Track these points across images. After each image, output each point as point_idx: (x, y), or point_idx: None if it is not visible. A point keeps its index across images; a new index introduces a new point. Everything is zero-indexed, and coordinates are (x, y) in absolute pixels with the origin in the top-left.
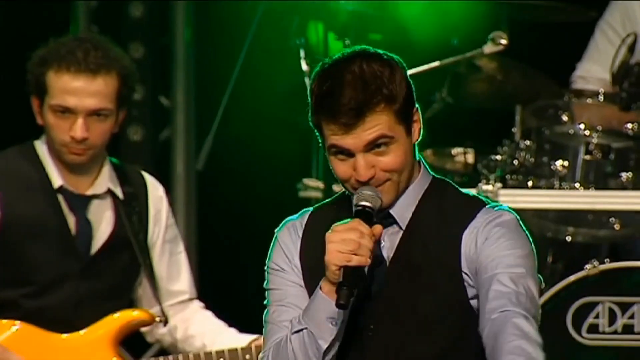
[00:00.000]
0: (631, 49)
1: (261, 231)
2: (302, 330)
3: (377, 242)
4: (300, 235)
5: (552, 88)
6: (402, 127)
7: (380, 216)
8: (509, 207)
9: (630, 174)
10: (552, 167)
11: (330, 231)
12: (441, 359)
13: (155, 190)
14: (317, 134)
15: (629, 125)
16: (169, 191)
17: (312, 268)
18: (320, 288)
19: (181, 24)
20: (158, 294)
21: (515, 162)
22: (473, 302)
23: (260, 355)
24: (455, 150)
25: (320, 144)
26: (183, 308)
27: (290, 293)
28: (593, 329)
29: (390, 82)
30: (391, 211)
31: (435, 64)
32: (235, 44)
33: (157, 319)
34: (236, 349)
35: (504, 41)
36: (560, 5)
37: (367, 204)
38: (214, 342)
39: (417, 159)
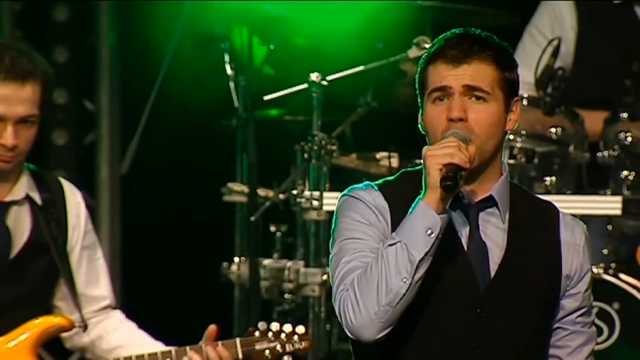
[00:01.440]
0: (555, 54)
1: (185, 235)
2: (395, 243)
3: (477, 225)
4: (387, 203)
5: None
6: (503, 97)
7: (481, 200)
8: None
9: (554, 178)
10: None
11: (426, 147)
12: (530, 349)
13: (73, 196)
14: (418, 101)
15: (553, 130)
16: (93, 195)
17: None
18: (420, 200)
19: (105, 27)
20: (77, 300)
21: None
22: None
23: (340, 288)
24: (380, 155)
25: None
26: (106, 316)
27: (378, 245)
28: None
29: (503, 52)
30: (492, 193)
31: (360, 68)
32: (160, 48)
33: (77, 325)
34: (156, 353)
35: (428, 45)
36: (484, 10)
37: (459, 132)
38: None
39: (503, 161)
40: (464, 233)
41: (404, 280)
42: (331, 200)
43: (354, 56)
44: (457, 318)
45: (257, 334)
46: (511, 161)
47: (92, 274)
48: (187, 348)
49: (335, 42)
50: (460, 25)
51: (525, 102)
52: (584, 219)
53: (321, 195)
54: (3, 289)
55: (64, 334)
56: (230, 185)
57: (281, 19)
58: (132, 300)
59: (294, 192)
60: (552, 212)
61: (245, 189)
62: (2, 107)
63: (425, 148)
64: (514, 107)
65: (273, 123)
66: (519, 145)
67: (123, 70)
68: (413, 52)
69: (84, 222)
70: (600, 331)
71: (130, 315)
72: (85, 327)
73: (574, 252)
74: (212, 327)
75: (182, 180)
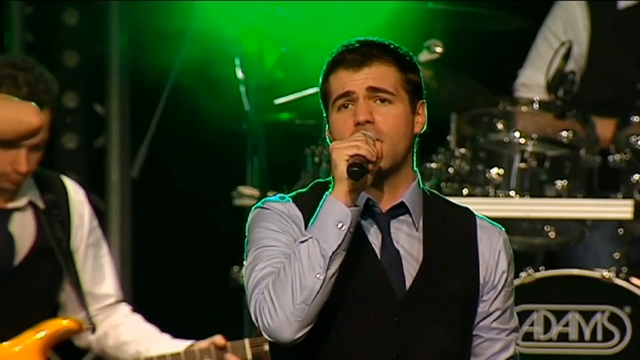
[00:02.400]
0: (566, 57)
1: (196, 239)
2: (307, 240)
3: (389, 233)
4: (301, 213)
5: (487, 96)
6: (408, 99)
7: (392, 207)
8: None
9: (565, 182)
10: (487, 175)
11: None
12: (452, 358)
13: (76, 195)
14: (322, 109)
15: (564, 133)
16: (103, 199)
17: None
18: (328, 195)
19: (116, 31)
20: (83, 300)
21: (451, 170)
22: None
23: (255, 291)
24: None
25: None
26: (111, 312)
27: (291, 250)
28: (528, 336)
29: (404, 56)
30: (403, 199)
31: None
32: (171, 51)
33: (85, 327)
34: (165, 356)
35: (439, 49)
36: (494, 14)
37: (367, 132)
38: (149, 348)
39: (414, 169)
40: (376, 242)
41: (318, 275)
42: None
43: None
44: (376, 327)
45: None
46: (522, 165)
47: (98, 272)
48: (196, 350)
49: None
50: (471, 29)
51: (536, 105)
52: (595, 222)
53: None
54: (9, 295)
55: (90, 332)
56: (241, 188)
57: (293, 22)
58: (143, 304)
59: None
60: (468, 217)
61: (256, 192)
62: None
63: (332, 144)
64: (420, 110)
65: (284, 127)
66: (530, 149)
67: (133, 73)
68: (424, 56)
69: (88, 221)
70: (611, 335)
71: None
72: (93, 329)
73: (490, 256)
74: (218, 339)
75: (192, 184)
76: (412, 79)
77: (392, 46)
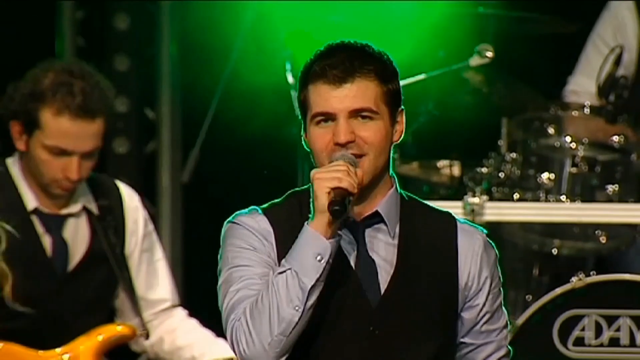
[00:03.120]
0: (617, 62)
1: None
2: (285, 271)
3: (364, 242)
4: (272, 226)
5: (538, 100)
6: (388, 112)
7: (367, 216)
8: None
9: (616, 187)
10: (538, 179)
11: (314, 171)
12: None
13: (130, 200)
14: (299, 117)
15: (615, 138)
16: (154, 204)
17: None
18: (307, 225)
19: (167, 36)
20: (137, 306)
21: (502, 174)
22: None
23: (231, 317)
24: (441, 163)
25: (302, 139)
26: (167, 317)
27: (265, 270)
28: (579, 341)
29: (384, 64)
30: (378, 209)
31: (422, 76)
32: (221, 55)
33: (139, 333)
34: None
35: (490, 54)
36: (545, 18)
37: (347, 157)
38: (204, 353)
39: (392, 174)
40: (351, 252)
41: (296, 308)
42: None
43: (415, 64)
44: (352, 338)
45: None
46: (573, 170)
47: (152, 277)
48: None
49: (397, 49)
50: (523, 33)
51: (587, 110)
52: None
53: None
54: (63, 300)
55: (144, 338)
56: None
57: (343, 26)
58: (193, 310)
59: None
60: (449, 221)
61: None
62: (71, 142)
63: (313, 171)
64: (399, 118)
65: None
66: (581, 153)
67: (184, 78)
68: (475, 61)
69: (142, 226)
70: None
71: None
72: (147, 335)
73: (472, 260)
74: None
75: (243, 189)
76: (392, 90)
77: (373, 55)
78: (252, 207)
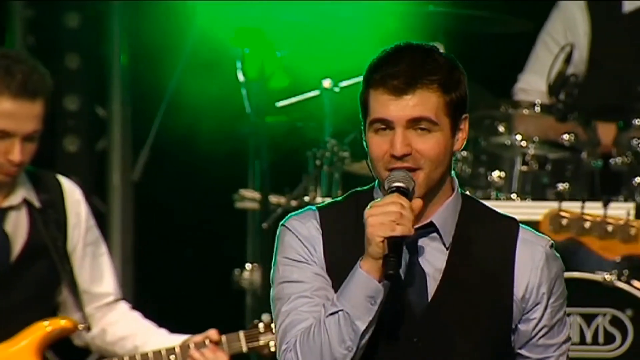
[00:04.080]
0: (568, 60)
1: (197, 241)
2: (337, 312)
3: (415, 252)
4: (321, 231)
5: (488, 99)
6: (449, 122)
7: (421, 226)
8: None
9: (566, 185)
10: (488, 178)
11: (368, 207)
12: None
13: (72, 194)
14: (360, 118)
15: (566, 136)
16: (105, 202)
17: (339, 265)
18: (360, 267)
19: (117, 33)
20: (79, 300)
21: (452, 172)
22: (512, 330)
23: (283, 347)
24: None
25: (362, 137)
26: (110, 310)
27: (315, 284)
28: None
29: (449, 73)
30: (433, 219)
31: None
32: (172, 53)
33: (80, 326)
34: (160, 351)
35: (441, 52)
36: (495, 17)
37: (401, 184)
38: (146, 342)
39: (453, 175)
40: (402, 261)
41: (349, 349)
42: None
43: (365, 63)
44: (393, 349)
45: (261, 326)
46: (524, 168)
47: (96, 271)
48: (191, 344)
49: (347, 48)
50: (473, 32)
51: (538, 108)
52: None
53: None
54: (6, 294)
55: (85, 332)
56: (242, 191)
57: (294, 24)
58: (144, 307)
59: (306, 198)
60: (510, 229)
61: (257, 195)
62: (12, 123)
63: (367, 210)
64: (462, 126)
65: (285, 129)
66: (531, 152)
67: (135, 76)
68: None
69: (85, 219)
70: (613, 338)
71: None
72: (88, 328)
73: (530, 272)
74: (212, 333)
75: (193, 187)
76: (456, 98)
77: (438, 63)
78: (309, 207)
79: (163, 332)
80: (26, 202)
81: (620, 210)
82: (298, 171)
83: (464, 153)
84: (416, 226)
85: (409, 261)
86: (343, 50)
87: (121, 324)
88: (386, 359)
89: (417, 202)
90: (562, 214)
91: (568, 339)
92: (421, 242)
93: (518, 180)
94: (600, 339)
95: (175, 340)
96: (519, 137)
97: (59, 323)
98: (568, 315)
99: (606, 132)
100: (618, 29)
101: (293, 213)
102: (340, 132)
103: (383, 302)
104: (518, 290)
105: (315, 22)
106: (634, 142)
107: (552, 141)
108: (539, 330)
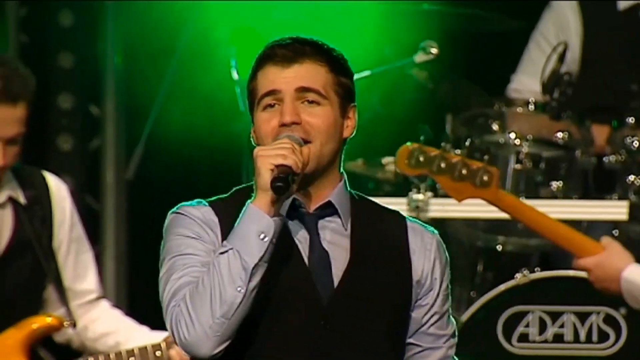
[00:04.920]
0: (561, 58)
1: None
2: (227, 251)
3: (316, 233)
4: (218, 218)
5: (482, 97)
6: (338, 102)
7: (319, 206)
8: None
9: (560, 183)
10: None
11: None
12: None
13: (58, 190)
14: (248, 111)
15: (559, 135)
16: (98, 200)
17: None
18: (250, 204)
19: (111, 32)
20: (64, 297)
21: None
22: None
23: (172, 304)
24: (386, 160)
25: (249, 142)
26: (92, 307)
27: (209, 259)
28: (524, 338)
29: (338, 58)
30: (331, 199)
31: (367, 73)
32: (166, 52)
33: (66, 323)
34: (146, 347)
35: (434, 50)
36: (489, 15)
37: (292, 135)
38: (128, 339)
39: (342, 172)
40: (304, 243)
41: (239, 289)
42: None
43: (360, 61)
44: (301, 331)
45: None
46: (517, 166)
47: (80, 268)
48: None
49: (342, 46)
50: (467, 31)
51: (531, 107)
52: (591, 224)
53: None
54: None
55: (70, 329)
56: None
57: (289, 23)
58: (137, 305)
59: None
60: (398, 219)
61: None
62: None
63: (256, 148)
64: (351, 114)
65: None
66: (525, 150)
67: (128, 75)
68: (419, 57)
69: (70, 216)
70: (606, 337)
71: (135, 319)
72: (74, 325)
73: (425, 257)
74: None
75: (188, 186)
76: (344, 82)
77: (325, 46)
78: (198, 199)
79: (144, 329)
80: (11, 199)
81: (614, 208)
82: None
83: (458, 151)
84: (314, 208)
85: (311, 242)
86: (339, 49)
87: (103, 321)
88: (296, 344)
89: (307, 150)
90: (422, 149)
91: (455, 334)
92: (321, 223)
93: (512, 178)
94: (594, 337)
95: (158, 336)
96: (512, 135)
97: (46, 320)
98: (562, 313)
99: (599, 133)
100: (612, 27)
101: (182, 203)
102: None
103: (274, 242)
104: (415, 275)
105: (309, 21)
106: (628, 140)
107: (545, 139)
108: (430, 317)
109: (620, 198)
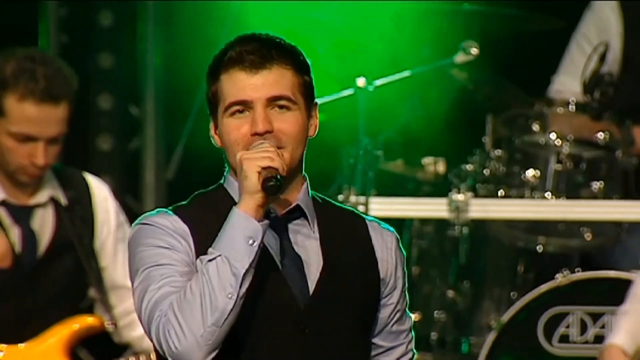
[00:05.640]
0: (602, 59)
1: None
2: (215, 258)
3: (287, 238)
4: (188, 226)
5: (522, 97)
6: (304, 103)
7: (287, 210)
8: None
9: (601, 184)
10: (523, 176)
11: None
12: None
13: (99, 191)
14: (209, 115)
15: (600, 135)
16: (138, 201)
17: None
18: (236, 209)
19: (151, 32)
20: (105, 298)
21: (486, 171)
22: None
23: (155, 315)
24: (426, 160)
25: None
26: None
27: (186, 269)
28: (564, 339)
29: (298, 56)
30: (298, 202)
31: (407, 73)
32: (206, 52)
33: (107, 324)
34: None
35: (475, 51)
36: (529, 16)
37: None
38: None
39: (303, 174)
40: (275, 247)
41: (230, 296)
42: (377, 205)
43: (401, 61)
44: (282, 338)
45: None
46: (558, 167)
47: None
48: None
49: (382, 47)
50: (508, 31)
51: (572, 107)
52: (632, 224)
53: (367, 200)
54: (34, 291)
55: (111, 330)
56: None
57: (327, 23)
58: None
59: (340, 197)
60: (357, 216)
61: None
62: (36, 127)
63: (240, 152)
64: (314, 112)
65: (319, 128)
66: (566, 150)
67: (168, 75)
68: (460, 57)
69: (114, 216)
70: None
71: None
72: (115, 325)
73: (388, 256)
74: None
75: None
76: (307, 81)
77: (287, 46)
78: (159, 209)
79: None
80: (53, 200)
81: None
82: (332, 170)
83: (498, 151)
84: (282, 211)
85: (283, 247)
86: (379, 49)
87: None
88: (279, 351)
89: (287, 154)
90: None
91: (411, 327)
92: (290, 227)
93: (552, 179)
94: None
95: None
96: (553, 135)
97: (87, 321)
98: (603, 314)
99: (639, 135)
100: None
101: (146, 214)
102: (374, 131)
103: (262, 246)
104: (381, 274)
105: (349, 21)
106: None
107: (586, 140)
108: (394, 315)
109: None
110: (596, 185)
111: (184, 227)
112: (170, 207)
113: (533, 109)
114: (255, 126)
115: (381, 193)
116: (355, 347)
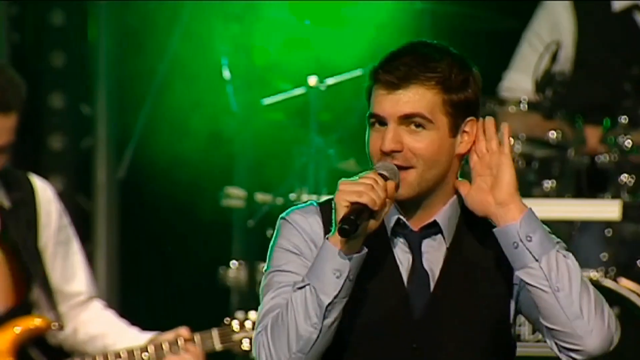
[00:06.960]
0: (554, 57)
1: (183, 239)
2: (304, 286)
3: (419, 253)
4: (324, 229)
5: None
6: (447, 121)
7: (424, 226)
8: None
9: (553, 183)
10: None
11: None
12: None
13: (44, 193)
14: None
15: (552, 134)
16: (90, 200)
17: None
18: (327, 239)
19: (102, 31)
20: (52, 299)
21: None
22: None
23: (258, 329)
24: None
25: None
26: (82, 309)
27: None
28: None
29: (452, 73)
30: (436, 218)
31: (358, 72)
32: (158, 50)
33: (53, 325)
34: (132, 350)
35: None
36: (481, 14)
37: (383, 172)
38: (116, 342)
39: (460, 179)
40: (405, 263)
41: (315, 325)
42: None
43: (350, 59)
44: (390, 353)
45: (234, 324)
46: None
47: (68, 270)
48: (165, 345)
49: (333, 46)
50: (459, 29)
51: (524, 106)
52: (584, 223)
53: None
54: None
55: (58, 330)
56: (228, 189)
57: (281, 21)
58: (129, 305)
59: (292, 196)
60: None
61: (243, 193)
62: None
63: (341, 180)
64: (467, 128)
65: (271, 127)
66: (518, 150)
67: (120, 73)
68: None
69: (56, 218)
70: None
71: (127, 319)
72: (61, 327)
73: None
74: (183, 331)
75: (179, 185)
76: (458, 99)
77: (440, 62)
78: (311, 201)
79: (134, 331)
80: None
81: (607, 208)
82: (284, 169)
83: None
84: (419, 226)
85: (413, 262)
86: (330, 49)
87: (93, 322)
88: None
89: (391, 184)
90: None
91: None
92: (425, 243)
93: None
94: None
95: (145, 337)
96: None
97: (32, 322)
98: None
99: (592, 132)
100: (605, 27)
101: (294, 207)
102: (326, 130)
103: (352, 278)
104: (515, 288)
105: (302, 18)
106: (620, 139)
107: (538, 139)
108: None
109: (613, 197)
110: (548, 184)
111: (319, 232)
112: (322, 201)
113: (485, 108)
114: (383, 144)
115: (333, 192)
116: None
